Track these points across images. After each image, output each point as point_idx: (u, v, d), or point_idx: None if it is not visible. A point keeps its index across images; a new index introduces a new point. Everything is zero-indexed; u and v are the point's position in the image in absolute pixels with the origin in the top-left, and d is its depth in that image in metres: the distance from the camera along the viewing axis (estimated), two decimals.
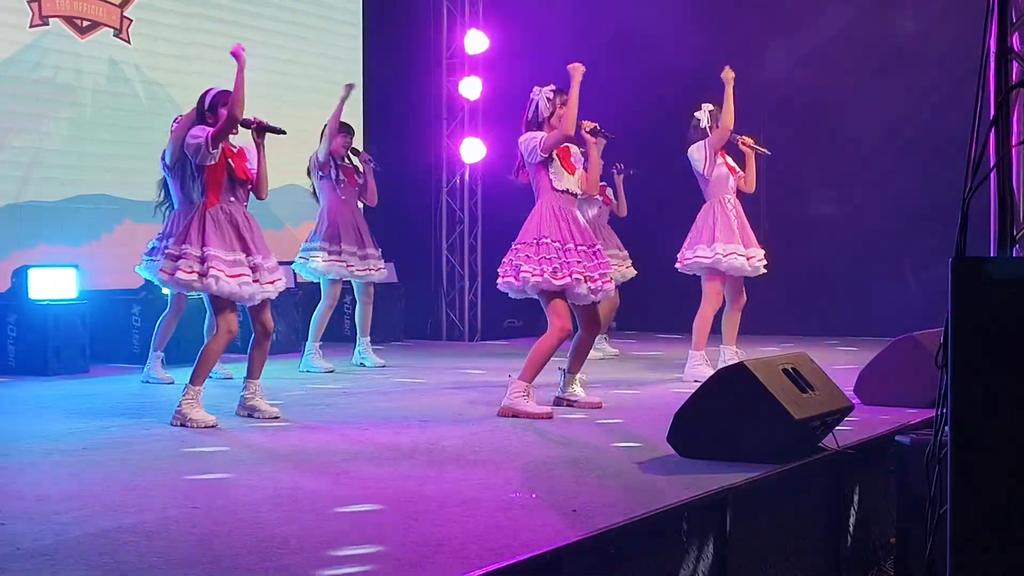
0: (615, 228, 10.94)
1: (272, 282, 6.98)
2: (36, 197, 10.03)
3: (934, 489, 3.75)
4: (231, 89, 6.89)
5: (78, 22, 10.36)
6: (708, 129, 9.12)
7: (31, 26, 10.01)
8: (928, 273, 11.99)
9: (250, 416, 7.03)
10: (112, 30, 10.61)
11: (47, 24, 10.13)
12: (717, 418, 5.59)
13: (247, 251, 6.90)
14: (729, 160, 9.28)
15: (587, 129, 7.51)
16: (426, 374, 9.67)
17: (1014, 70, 4.15)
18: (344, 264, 9.70)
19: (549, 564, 3.87)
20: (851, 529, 5.89)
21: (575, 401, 7.44)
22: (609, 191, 10.85)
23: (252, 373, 7.11)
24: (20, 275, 9.42)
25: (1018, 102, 4.21)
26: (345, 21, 13.03)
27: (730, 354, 8.85)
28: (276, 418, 6.98)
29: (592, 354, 8.66)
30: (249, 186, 7.05)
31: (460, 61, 13.22)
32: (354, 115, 10.97)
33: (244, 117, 6.92)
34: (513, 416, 7.01)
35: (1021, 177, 4.30)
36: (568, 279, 7.09)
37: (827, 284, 12.92)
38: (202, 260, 6.77)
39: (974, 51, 3.95)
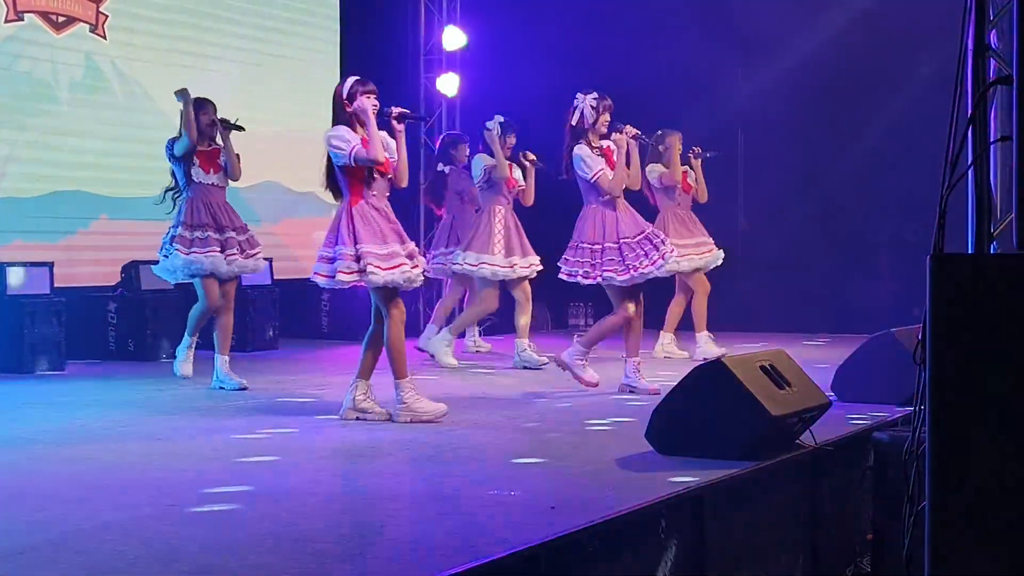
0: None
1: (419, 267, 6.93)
2: (12, 193, 9.95)
3: (912, 485, 3.76)
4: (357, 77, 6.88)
5: (53, 17, 10.29)
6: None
7: (6, 21, 9.93)
8: (907, 270, 12.01)
9: (361, 419, 6.82)
10: (88, 25, 10.54)
11: (22, 19, 10.05)
12: (695, 415, 5.59)
13: (402, 240, 6.84)
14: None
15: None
16: None
17: (991, 67, 4.16)
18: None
19: (527, 562, 3.86)
20: (829, 526, 5.91)
21: (635, 387, 7.99)
22: (691, 177, 10.59)
23: (364, 373, 6.93)
24: None
25: (996, 99, 4.21)
26: (323, 15, 12.98)
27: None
28: (389, 419, 6.79)
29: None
30: (389, 177, 6.95)
31: (438, 58, 13.18)
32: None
33: (383, 108, 6.85)
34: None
35: (998, 174, 4.30)
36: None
37: (805, 280, 12.92)
38: (357, 258, 6.70)
39: (953, 47, 3.96)
